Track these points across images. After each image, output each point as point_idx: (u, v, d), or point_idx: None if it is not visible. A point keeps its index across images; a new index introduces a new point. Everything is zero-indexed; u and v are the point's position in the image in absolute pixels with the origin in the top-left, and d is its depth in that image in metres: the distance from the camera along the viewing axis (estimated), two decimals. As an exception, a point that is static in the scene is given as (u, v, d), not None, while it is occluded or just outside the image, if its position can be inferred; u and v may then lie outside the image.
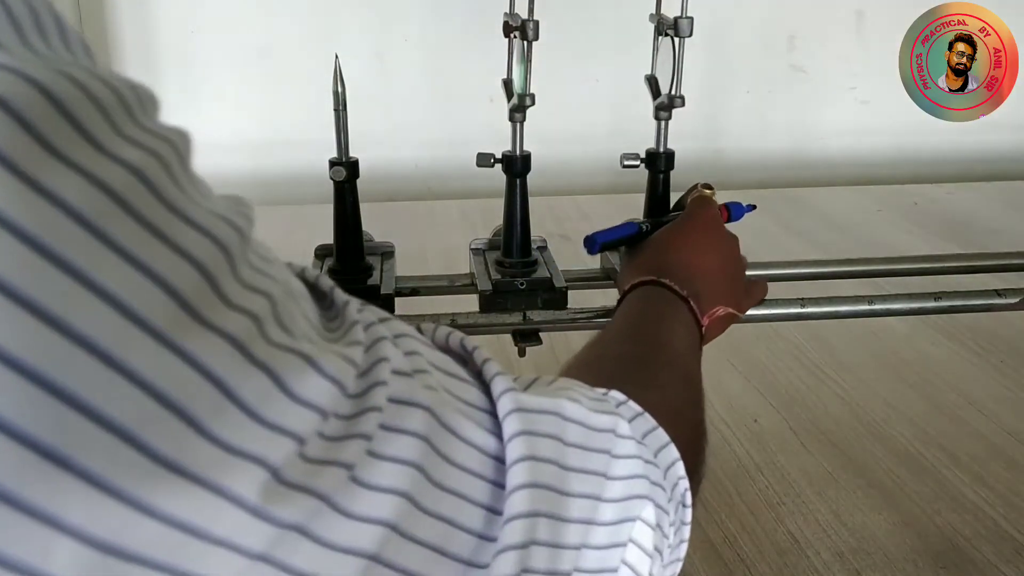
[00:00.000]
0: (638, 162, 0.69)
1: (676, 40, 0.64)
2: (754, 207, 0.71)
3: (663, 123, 0.68)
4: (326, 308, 0.29)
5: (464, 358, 0.35)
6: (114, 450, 0.20)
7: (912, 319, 1.01)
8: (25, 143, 0.19)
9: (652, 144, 0.69)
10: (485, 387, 0.33)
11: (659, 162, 0.69)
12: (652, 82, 0.69)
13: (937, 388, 0.90)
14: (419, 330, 0.34)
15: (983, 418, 0.84)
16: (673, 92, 0.65)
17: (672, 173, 0.70)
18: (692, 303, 0.55)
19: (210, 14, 1.53)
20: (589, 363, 0.48)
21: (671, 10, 0.66)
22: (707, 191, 0.67)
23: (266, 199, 1.58)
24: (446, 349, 0.35)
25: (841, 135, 1.72)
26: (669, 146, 0.69)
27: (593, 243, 0.64)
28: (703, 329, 0.55)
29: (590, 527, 0.34)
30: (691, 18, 0.63)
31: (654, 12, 0.68)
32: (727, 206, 0.68)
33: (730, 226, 0.66)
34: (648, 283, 0.56)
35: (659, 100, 0.67)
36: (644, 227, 0.65)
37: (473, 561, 0.30)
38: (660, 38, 0.67)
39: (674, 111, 0.67)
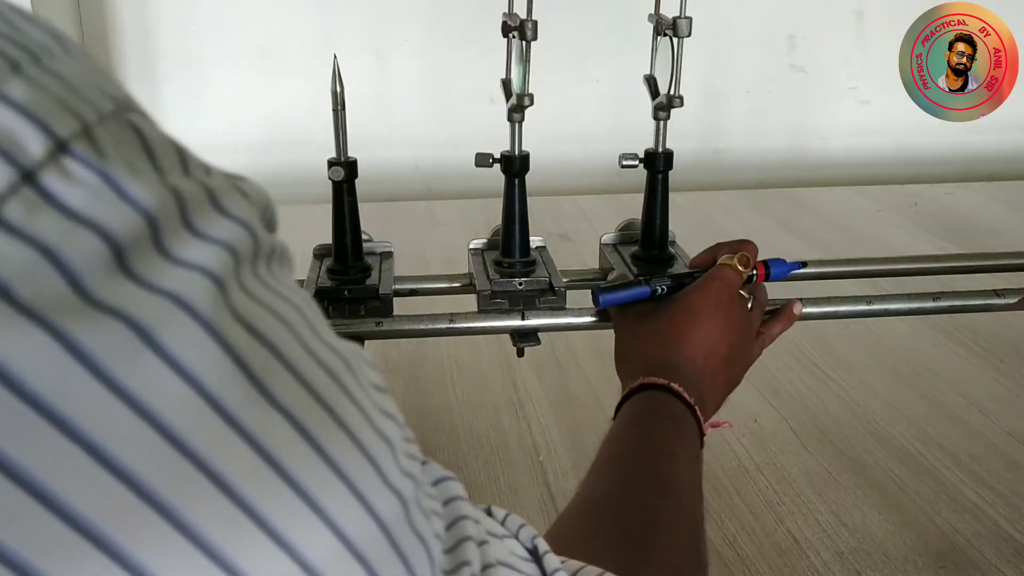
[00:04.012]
0: (636, 162, 0.69)
1: (675, 40, 0.64)
2: (804, 264, 0.66)
3: (662, 123, 0.68)
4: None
5: (532, 554, 0.33)
6: None
7: (912, 319, 1.01)
8: None
9: (652, 144, 0.69)
10: None
11: (658, 162, 0.69)
12: (651, 82, 0.69)
13: (937, 388, 0.90)
14: (488, 512, 0.32)
15: (983, 418, 0.84)
16: (672, 92, 0.65)
17: (673, 173, 0.70)
18: (697, 411, 0.54)
19: (210, 14, 1.53)
20: (594, 513, 0.47)
21: (670, 10, 0.66)
22: (731, 260, 0.61)
23: (266, 199, 1.58)
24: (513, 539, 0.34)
25: (841, 135, 1.72)
26: (669, 146, 0.69)
27: (598, 301, 0.61)
28: (702, 439, 0.54)
29: None
30: (690, 18, 0.63)
31: (652, 12, 0.68)
32: (767, 264, 0.63)
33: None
34: (658, 386, 0.55)
35: (658, 100, 0.67)
36: (658, 290, 0.61)
37: None
38: (659, 38, 0.67)
39: (674, 111, 0.67)
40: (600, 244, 0.73)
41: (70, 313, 0.17)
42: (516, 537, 0.32)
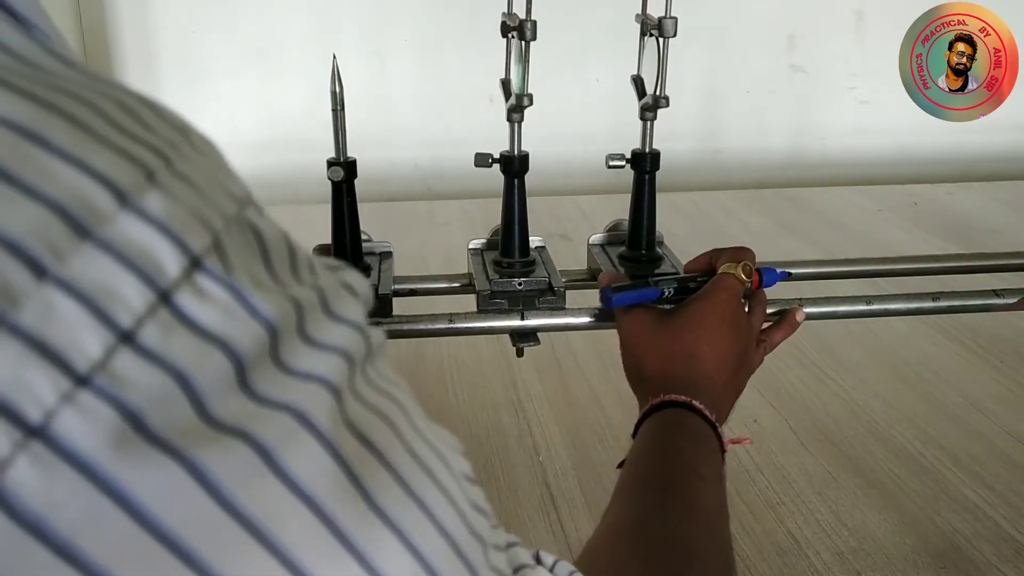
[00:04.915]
0: (623, 162, 0.68)
1: (660, 40, 0.63)
2: (789, 274, 0.68)
3: (648, 123, 0.68)
4: None
5: None
6: None
7: (912, 319, 1.01)
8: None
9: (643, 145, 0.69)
10: None
11: (645, 163, 0.68)
12: (637, 82, 0.68)
13: (937, 388, 0.90)
14: (537, 560, 0.32)
15: (983, 418, 0.84)
16: (658, 92, 0.65)
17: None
18: (719, 428, 0.54)
19: (210, 14, 1.53)
20: (626, 540, 0.47)
21: (658, 10, 0.65)
22: (735, 270, 0.61)
23: (266, 199, 1.58)
24: None
25: (841, 135, 1.72)
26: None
27: (608, 301, 0.61)
28: (723, 456, 0.55)
29: None
30: (675, 18, 0.62)
31: (639, 12, 0.67)
32: (759, 272, 0.64)
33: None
34: (679, 404, 0.54)
35: (644, 100, 0.67)
36: (665, 292, 0.61)
37: None
38: (645, 38, 0.67)
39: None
40: (588, 244, 0.73)
41: (197, 439, 0.18)
42: None
